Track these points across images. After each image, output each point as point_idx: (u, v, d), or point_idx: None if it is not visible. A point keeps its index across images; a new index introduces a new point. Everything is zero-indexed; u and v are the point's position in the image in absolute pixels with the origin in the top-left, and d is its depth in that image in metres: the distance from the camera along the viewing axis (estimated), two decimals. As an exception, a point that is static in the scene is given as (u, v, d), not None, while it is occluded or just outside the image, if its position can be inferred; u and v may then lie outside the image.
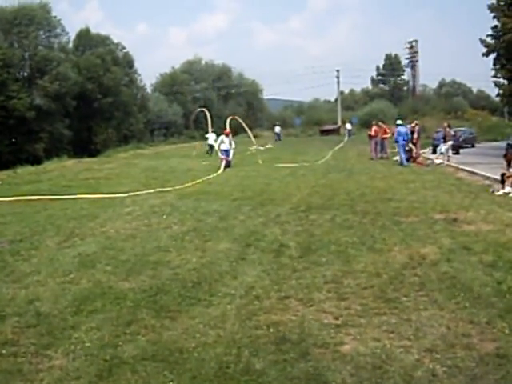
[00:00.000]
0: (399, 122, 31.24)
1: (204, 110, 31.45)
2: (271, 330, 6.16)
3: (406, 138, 29.32)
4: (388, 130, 34.83)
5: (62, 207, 15.64)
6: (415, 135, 35.04)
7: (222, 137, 29.97)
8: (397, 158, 30.76)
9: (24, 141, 55.89)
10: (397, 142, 29.72)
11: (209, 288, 7.70)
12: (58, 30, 65.40)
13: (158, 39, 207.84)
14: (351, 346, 5.70)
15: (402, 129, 29.90)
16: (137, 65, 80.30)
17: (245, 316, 6.60)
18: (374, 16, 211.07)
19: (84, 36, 70.93)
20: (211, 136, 41.69)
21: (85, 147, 60.53)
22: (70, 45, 69.48)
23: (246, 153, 40.20)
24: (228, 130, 31.28)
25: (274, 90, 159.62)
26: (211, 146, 40.97)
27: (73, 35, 70.36)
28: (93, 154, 53.09)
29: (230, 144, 29.56)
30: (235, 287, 7.68)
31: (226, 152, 29.15)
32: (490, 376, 5.02)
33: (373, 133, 34.21)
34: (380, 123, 35.49)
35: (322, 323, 6.34)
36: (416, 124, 37.68)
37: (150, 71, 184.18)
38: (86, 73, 65.04)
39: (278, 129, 66.78)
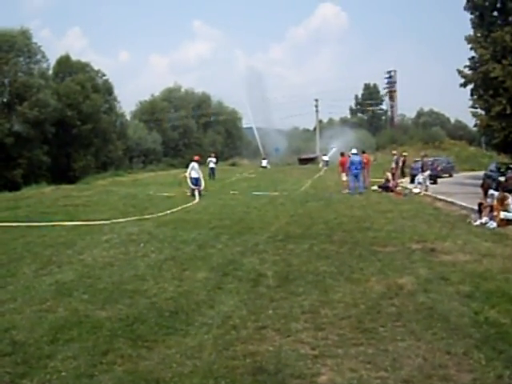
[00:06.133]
0: (354, 151, 31.25)
1: None
2: (248, 360, 6.14)
3: (358, 167, 29.33)
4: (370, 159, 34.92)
5: (39, 234, 15.51)
6: (393, 165, 35.31)
7: (193, 164, 29.05)
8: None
9: (2, 167, 55.63)
10: (349, 170, 29.64)
11: (186, 317, 7.67)
12: (39, 57, 65.37)
13: (140, 66, 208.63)
14: (328, 377, 5.69)
15: (355, 158, 29.94)
16: (118, 92, 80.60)
17: (222, 346, 6.58)
18: (353, 46, 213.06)
19: (64, 63, 70.86)
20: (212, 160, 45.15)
21: (63, 174, 60.23)
22: (50, 71, 69.42)
23: (226, 181, 40.25)
24: (197, 156, 31.02)
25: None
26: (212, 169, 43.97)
27: (54, 62, 70.47)
28: (71, 180, 52.81)
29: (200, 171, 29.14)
30: (212, 317, 7.65)
31: (196, 180, 28.37)
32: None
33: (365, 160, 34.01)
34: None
35: (299, 354, 6.33)
36: (394, 154, 38.06)
37: (132, 98, 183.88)
38: (66, 99, 64.90)
39: (264, 162, 71.06)
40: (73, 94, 65.51)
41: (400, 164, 36.51)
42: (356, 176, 29.23)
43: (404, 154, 40.87)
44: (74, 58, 73.32)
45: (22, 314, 7.96)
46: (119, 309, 8.14)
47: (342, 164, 31.62)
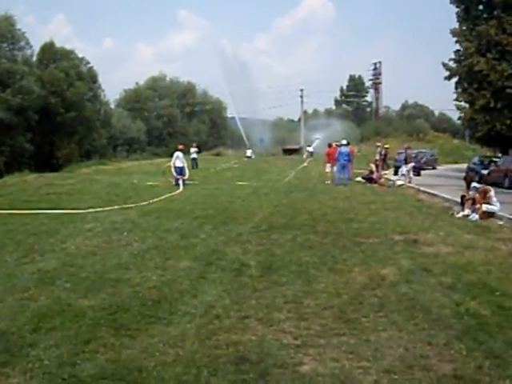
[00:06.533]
0: (344, 142, 31.27)
1: None
2: (230, 349, 6.14)
3: (346, 159, 29.53)
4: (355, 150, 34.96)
5: (22, 222, 15.42)
6: (377, 156, 35.40)
7: (178, 153, 29.18)
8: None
9: (-16, 154, 55.24)
10: (337, 161, 29.82)
11: (169, 306, 7.65)
12: (22, 43, 64.99)
13: (125, 55, 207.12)
14: (310, 367, 5.70)
15: (344, 149, 30.08)
16: (103, 80, 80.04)
17: (204, 335, 6.57)
18: (339, 37, 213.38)
19: (48, 50, 70.34)
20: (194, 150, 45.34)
21: (47, 162, 59.88)
22: (34, 58, 68.92)
23: (210, 171, 40.22)
24: (182, 146, 31.16)
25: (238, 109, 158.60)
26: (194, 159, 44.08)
27: (38, 48, 69.95)
28: (55, 168, 52.53)
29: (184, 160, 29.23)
30: (195, 306, 7.64)
31: (181, 169, 28.52)
32: (446, 397, 5.08)
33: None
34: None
35: (281, 343, 6.34)
36: (378, 146, 38.15)
37: (116, 87, 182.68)
38: (50, 87, 64.52)
39: (249, 152, 71.18)
40: (57, 82, 65.14)
41: (382, 156, 36.63)
42: (343, 167, 29.33)
43: (385, 146, 41.01)
44: (58, 45, 72.94)
45: (3, 303, 7.90)
46: (102, 298, 8.10)
47: (329, 155, 31.60)
